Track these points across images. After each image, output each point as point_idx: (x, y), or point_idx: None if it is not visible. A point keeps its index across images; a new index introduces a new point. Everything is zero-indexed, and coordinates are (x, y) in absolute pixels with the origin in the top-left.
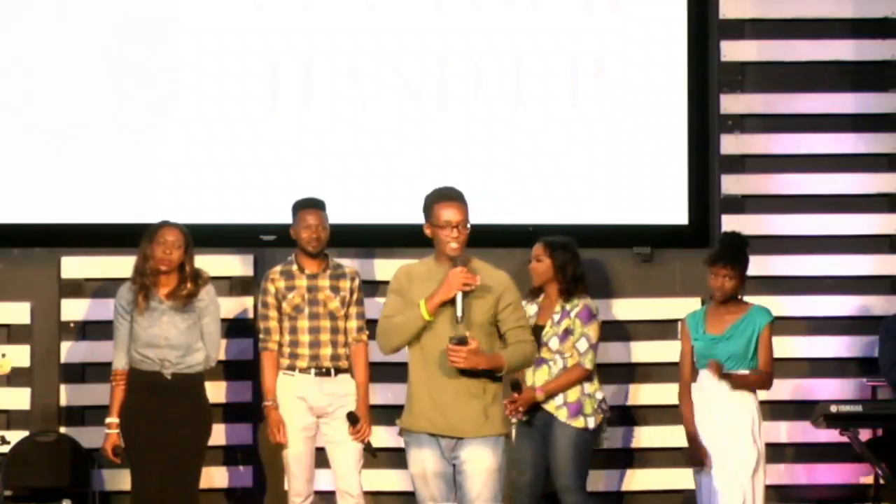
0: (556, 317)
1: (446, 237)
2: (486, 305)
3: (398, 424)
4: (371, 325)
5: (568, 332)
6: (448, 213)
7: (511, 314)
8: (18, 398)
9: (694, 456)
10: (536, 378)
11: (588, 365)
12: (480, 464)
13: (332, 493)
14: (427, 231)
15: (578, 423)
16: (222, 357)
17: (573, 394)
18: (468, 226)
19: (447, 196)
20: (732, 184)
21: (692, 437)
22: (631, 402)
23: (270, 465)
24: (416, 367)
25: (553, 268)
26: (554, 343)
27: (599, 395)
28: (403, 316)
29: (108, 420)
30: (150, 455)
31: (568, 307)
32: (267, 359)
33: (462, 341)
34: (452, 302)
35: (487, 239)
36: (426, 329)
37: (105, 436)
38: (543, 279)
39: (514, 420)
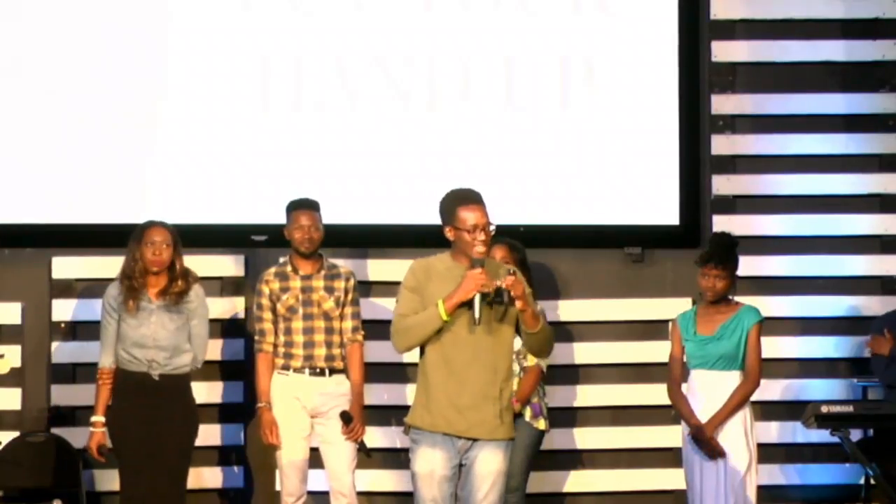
0: None
1: (473, 240)
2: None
3: (408, 422)
4: (367, 325)
5: None
6: (474, 217)
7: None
8: (9, 398)
9: (710, 447)
10: None
11: (545, 367)
12: (491, 466)
13: (325, 494)
14: (449, 234)
15: (539, 424)
16: (213, 357)
17: (534, 395)
18: (492, 227)
19: (470, 199)
20: (723, 184)
21: (699, 429)
22: (622, 402)
23: (260, 466)
24: (434, 368)
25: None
26: (517, 344)
27: (546, 400)
28: (420, 316)
29: (93, 419)
30: (138, 455)
31: None
32: (262, 360)
33: (514, 274)
34: (470, 304)
35: None
36: (444, 330)
37: (90, 434)
38: None
39: None
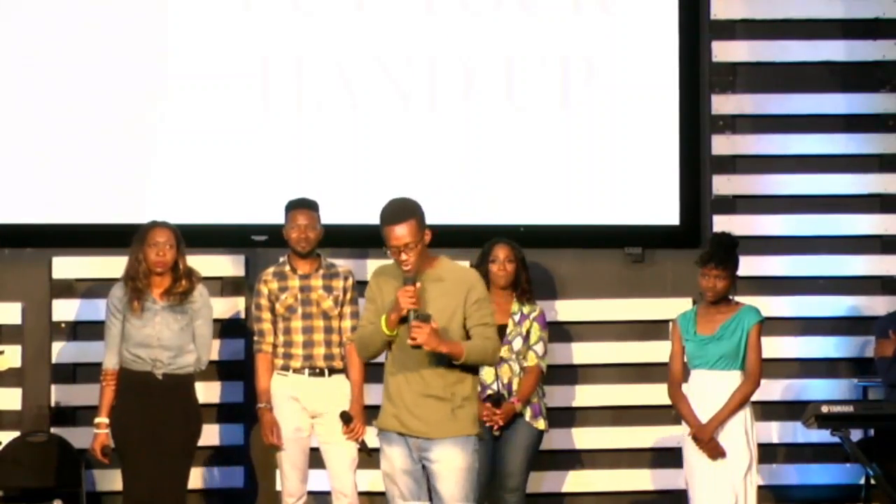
0: (516, 318)
1: (396, 260)
2: (454, 304)
3: (375, 424)
4: None
5: (527, 335)
6: (391, 238)
7: (477, 311)
8: (9, 398)
9: (710, 447)
10: (501, 376)
11: (545, 367)
12: (450, 463)
13: (327, 494)
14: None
15: (539, 424)
16: (213, 357)
17: (533, 395)
18: (418, 244)
19: (390, 219)
20: (723, 184)
21: (699, 430)
22: (622, 402)
23: (261, 466)
24: (391, 371)
25: (517, 270)
26: (517, 343)
27: (545, 400)
28: (370, 328)
29: (97, 420)
30: (140, 455)
31: (526, 310)
32: (261, 361)
33: (426, 319)
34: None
35: (478, 239)
36: (399, 335)
37: (94, 435)
38: (510, 280)
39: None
